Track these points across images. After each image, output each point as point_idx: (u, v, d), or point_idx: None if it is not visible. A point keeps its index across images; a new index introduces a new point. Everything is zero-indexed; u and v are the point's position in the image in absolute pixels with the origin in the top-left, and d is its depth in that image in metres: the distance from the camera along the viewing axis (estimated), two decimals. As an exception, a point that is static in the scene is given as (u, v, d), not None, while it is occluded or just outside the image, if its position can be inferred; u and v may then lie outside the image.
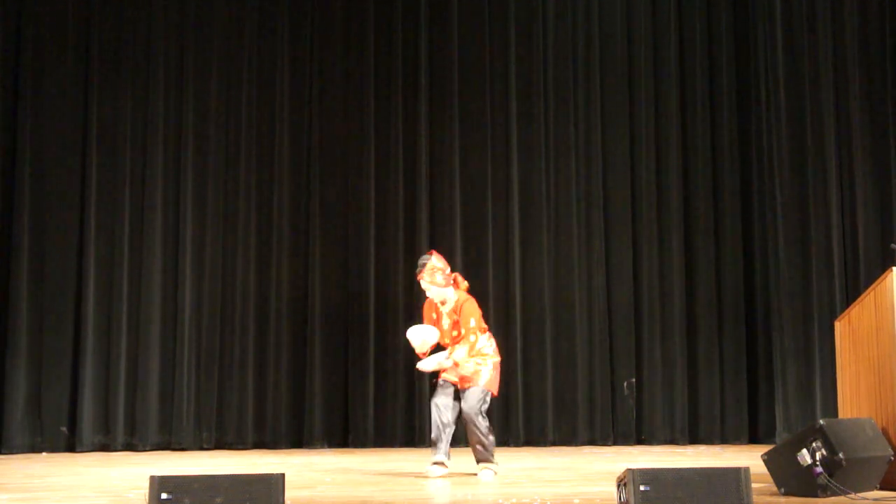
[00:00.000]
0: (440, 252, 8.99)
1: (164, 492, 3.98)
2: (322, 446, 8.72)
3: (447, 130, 9.23)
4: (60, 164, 8.76)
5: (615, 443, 8.98)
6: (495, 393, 6.35)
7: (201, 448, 8.60)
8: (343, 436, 8.85)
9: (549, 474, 6.43)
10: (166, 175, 8.91)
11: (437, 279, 6.32)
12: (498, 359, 6.38)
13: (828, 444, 4.76)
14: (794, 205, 8.95)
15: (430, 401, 6.37)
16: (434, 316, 6.43)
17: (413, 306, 8.93)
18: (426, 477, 6.20)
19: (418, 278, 6.40)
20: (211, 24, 9.12)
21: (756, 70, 9.33)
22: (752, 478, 4.32)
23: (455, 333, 6.32)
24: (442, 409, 6.23)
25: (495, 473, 6.18)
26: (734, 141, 9.42)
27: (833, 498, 4.76)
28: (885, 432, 5.13)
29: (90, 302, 8.61)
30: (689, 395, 9.14)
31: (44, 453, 8.32)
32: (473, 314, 6.30)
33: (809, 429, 4.89)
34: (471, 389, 6.19)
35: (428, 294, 6.40)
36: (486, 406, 6.21)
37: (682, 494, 4.19)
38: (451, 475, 6.21)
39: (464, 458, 7.47)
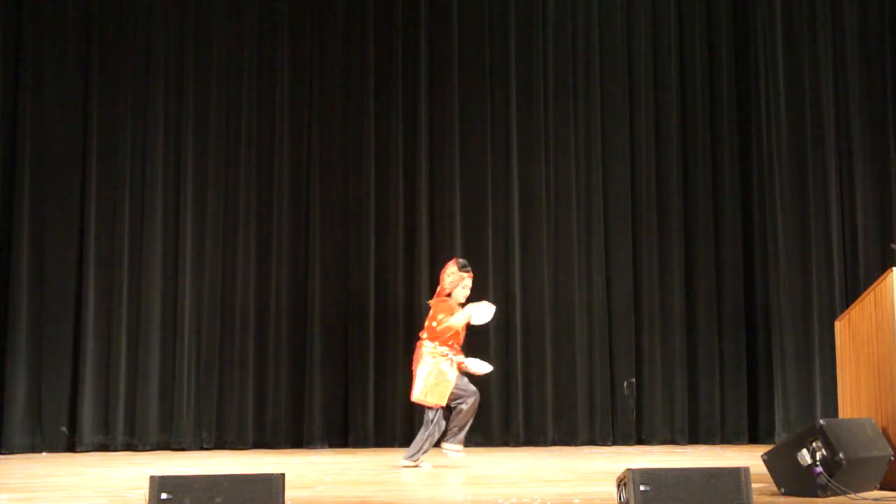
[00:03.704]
0: (441, 252, 9.05)
1: (164, 492, 3.98)
2: (322, 446, 8.72)
3: (447, 130, 9.23)
4: (60, 164, 8.75)
5: (615, 443, 8.98)
6: None
7: (201, 448, 8.60)
8: (343, 436, 8.85)
9: (549, 474, 6.43)
10: (166, 175, 8.91)
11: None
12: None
13: (828, 444, 4.76)
14: (794, 205, 8.96)
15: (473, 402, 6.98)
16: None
17: (412, 306, 8.95)
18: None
19: (471, 276, 7.09)
20: (211, 24, 9.12)
21: (756, 70, 9.33)
22: (752, 478, 4.32)
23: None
24: None
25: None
26: (734, 141, 9.42)
27: (833, 498, 4.76)
28: (885, 432, 5.13)
29: (90, 302, 8.61)
30: (689, 395, 9.14)
31: (44, 453, 8.32)
32: None
33: (809, 429, 4.89)
34: None
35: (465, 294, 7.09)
36: None
37: (682, 494, 4.19)
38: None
39: (467, 458, 7.47)
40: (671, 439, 9.05)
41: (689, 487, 4.21)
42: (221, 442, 8.70)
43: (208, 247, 8.91)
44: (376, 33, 9.25)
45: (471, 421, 7.02)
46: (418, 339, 7.12)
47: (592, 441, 8.95)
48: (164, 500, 3.96)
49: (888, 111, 8.81)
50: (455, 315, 6.94)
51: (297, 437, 8.79)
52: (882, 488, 5.08)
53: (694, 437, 9.10)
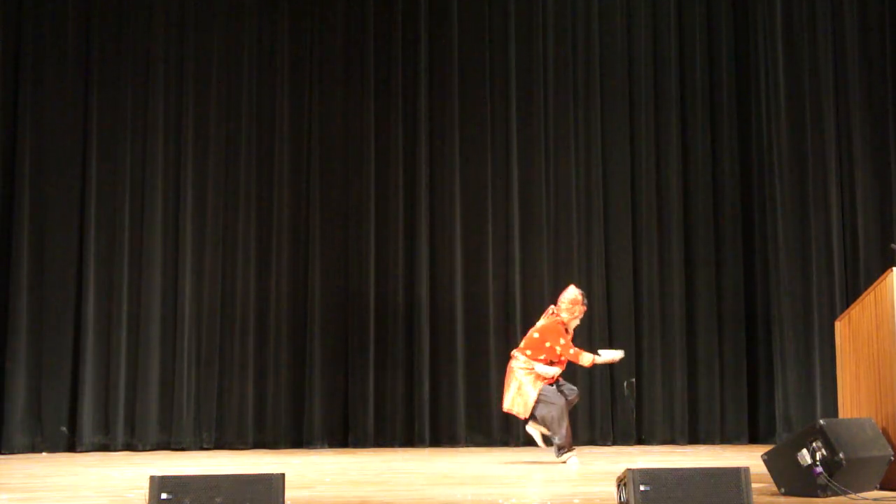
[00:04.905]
0: (441, 252, 9.01)
1: (164, 492, 3.98)
2: (322, 446, 8.72)
3: (447, 130, 9.23)
4: (60, 164, 8.76)
5: (615, 443, 8.98)
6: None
7: (201, 448, 8.60)
8: (343, 436, 8.85)
9: (549, 474, 6.43)
10: (166, 175, 8.91)
11: None
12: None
13: (828, 444, 4.76)
14: (794, 205, 8.95)
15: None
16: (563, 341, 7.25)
17: (412, 305, 8.96)
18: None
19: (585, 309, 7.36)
20: (211, 24, 9.12)
21: (756, 70, 9.33)
22: (752, 478, 4.32)
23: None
24: None
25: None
26: (734, 141, 9.42)
27: (833, 498, 4.76)
28: (885, 432, 5.13)
29: (90, 302, 8.61)
30: (689, 395, 9.14)
31: (44, 453, 8.32)
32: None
33: (809, 429, 4.89)
34: None
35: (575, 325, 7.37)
36: None
37: (682, 494, 4.19)
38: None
39: (467, 458, 7.48)
40: (671, 439, 9.04)
41: (689, 487, 4.21)
42: (221, 442, 8.70)
43: (208, 246, 8.91)
44: (376, 33, 9.25)
45: (560, 428, 7.06)
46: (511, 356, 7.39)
47: (592, 441, 8.94)
48: (164, 500, 3.96)
49: (888, 111, 8.80)
50: (583, 355, 7.21)
51: (297, 437, 8.79)
52: (882, 488, 5.08)
53: (694, 437, 9.10)
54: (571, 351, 7.17)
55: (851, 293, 8.42)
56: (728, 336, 9.23)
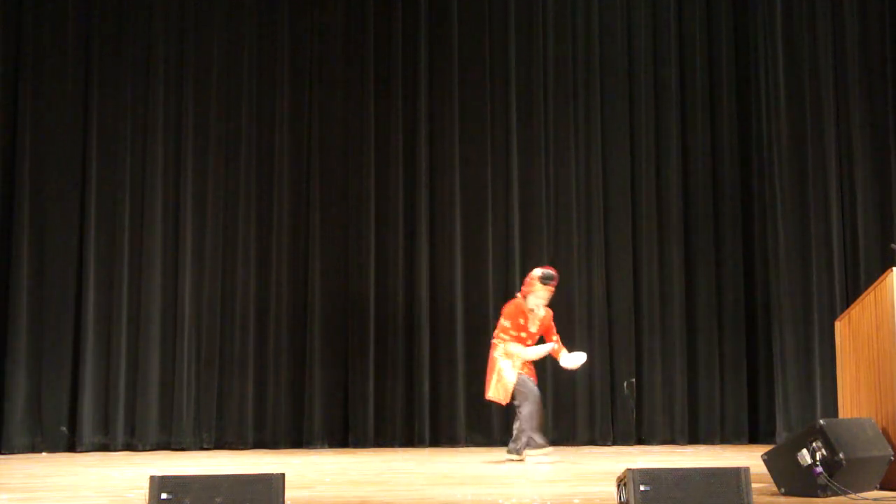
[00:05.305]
0: (441, 252, 9.02)
1: (164, 492, 3.98)
2: (322, 446, 8.72)
3: (447, 130, 9.23)
4: (60, 164, 8.75)
5: (615, 443, 8.98)
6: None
7: (201, 448, 8.61)
8: (343, 436, 8.85)
9: (549, 474, 6.43)
10: (166, 175, 8.91)
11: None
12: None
13: (828, 444, 4.76)
14: (794, 205, 8.95)
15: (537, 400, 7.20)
16: (521, 321, 7.30)
17: (412, 305, 8.96)
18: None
19: (550, 291, 7.32)
20: (211, 23, 9.12)
21: (756, 70, 9.33)
22: (752, 478, 4.32)
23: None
24: None
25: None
26: (734, 141, 9.42)
27: (833, 498, 4.76)
28: (885, 432, 5.13)
29: (90, 302, 8.61)
30: (689, 395, 9.14)
31: (44, 453, 8.32)
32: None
33: (809, 429, 4.89)
34: None
35: (543, 303, 7.32)
36: None
37: (681, 494, 4.19)
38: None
39: (467, 458, 7.48)
40: (671, 439, 9.04)
41: (689, 487, 4.21)
42: (221, 442, 8.70)
43: (208, 246, 8.91)
44: (376, 33, 9.25)
45: (534, 423, 7.11)
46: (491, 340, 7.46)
47: (592, 441, 8.95)
48: (164, 500, 3.96)
49: (888, 111, 8.79)
50: (528, 350, 7.26)
51: (297, 437, 8.79)
52: (882, 488, 5.08)
53: (694, 437, 9.10)
54: (505, 337, 7.25)
55: (851, 293, 8.42)
56: (728, 336, 9.23)
